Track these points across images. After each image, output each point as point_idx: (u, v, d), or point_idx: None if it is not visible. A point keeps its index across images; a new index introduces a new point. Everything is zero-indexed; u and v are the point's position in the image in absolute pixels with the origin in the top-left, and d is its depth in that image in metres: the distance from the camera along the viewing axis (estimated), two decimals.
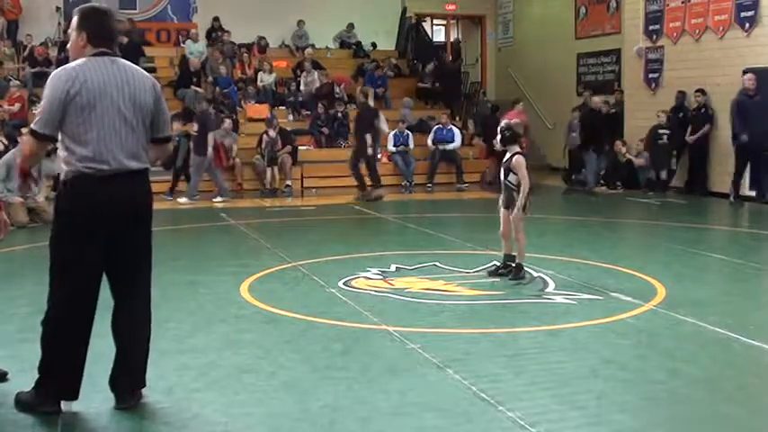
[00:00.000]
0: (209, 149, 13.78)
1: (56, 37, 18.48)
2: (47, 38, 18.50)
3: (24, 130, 10.23)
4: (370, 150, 14.18)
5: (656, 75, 15.60)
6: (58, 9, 19.12)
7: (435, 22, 23.70)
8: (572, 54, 19.06)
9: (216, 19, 19.84)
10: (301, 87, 18.28)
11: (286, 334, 5.65)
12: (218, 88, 17.22)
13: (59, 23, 18.69)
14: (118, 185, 4.00)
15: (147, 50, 18.63)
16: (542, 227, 10.33)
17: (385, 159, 16.53)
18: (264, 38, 19.66)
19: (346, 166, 14.70)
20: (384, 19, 21.45)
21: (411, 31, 21.35)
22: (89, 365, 4.14)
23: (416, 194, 15.42)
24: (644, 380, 4.67)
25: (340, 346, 5.32)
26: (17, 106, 15.41)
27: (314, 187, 14.95)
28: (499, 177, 7.58)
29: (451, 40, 23.68)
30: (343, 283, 7.15)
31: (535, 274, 7.38)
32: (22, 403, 4.15)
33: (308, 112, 17.68)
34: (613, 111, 16.35)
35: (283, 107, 17.97)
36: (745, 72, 13.26)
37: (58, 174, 4.26)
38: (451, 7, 22.30)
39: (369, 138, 14.12)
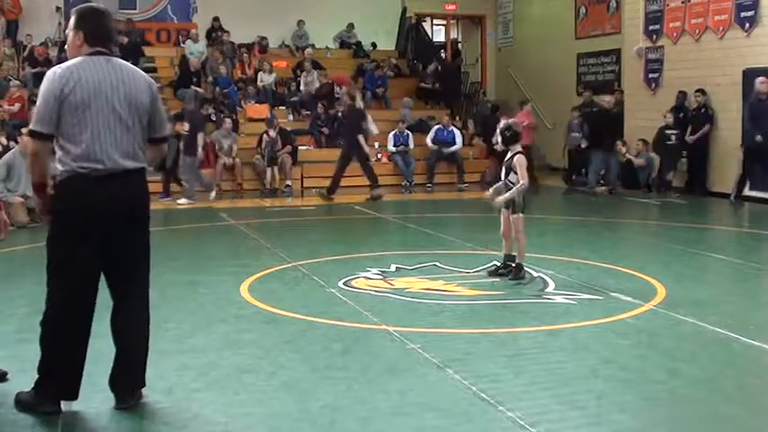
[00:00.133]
0: (199, 150, 13.73)
1: (56, 37, 18.47)
2: (47, 38, 18.49)
3: (24, 130, 10.24)
4: (366, 151, 14.18)
5: (656, 75, 15.60)
6: (58, 9, 19.11)
7: (435, 22, 23.69)
8: (572, 54, 19.05)
9: (216, 19, 19.84)
10: (301, 87, 18.28)
11: (286, 334, 5.65)
12: (218, 88, 17.22)
13: (59, 23, 18.68)
14: (113, 185, 4.00)
15: (148, 50, 18.65)
16: (542, 227, 10.34)
17: (385, 159, 16.55)
18: (266, 38, 19.66)
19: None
20: (384, 19, 21.44)
21: (411, 31, 21.34)
22: (89, 365, 4.14)
23: (416, 194, 15.42)
24: (644, 380, 4.67)
25: (340, 346, 5.32)
26: (17, 106, 15.40)
27: (314, 187, 14.94)
28: (499, 177, 7.59)
29: (452, 38, 23.70)
30: (343, 283, 7.15)
31: (535, 274, 7.38)
32: (22, 403, 4.15)
33: (308, 112, 17.68)
34: (614, 111, 16.33)
35: (283, 107, 17.97)
36: (745, 73, 13.29)
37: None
38: (451, 7, 22.29)
39: (361, 139, 14.11)
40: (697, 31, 14.55)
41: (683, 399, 4.40)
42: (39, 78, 16.17)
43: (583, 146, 16.19)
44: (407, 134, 16.52)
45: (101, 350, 4.26)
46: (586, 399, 4.32)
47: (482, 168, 16.57)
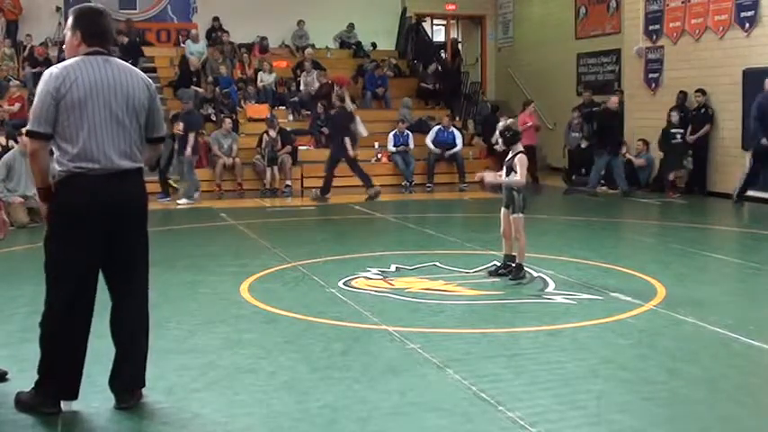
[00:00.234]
0: (188, 149, 13.71)
1: (56, 37, 18.47)
2: (47, 38, 18.50)
3: (24, 130, 10.23)
4: (351, 153, 14.15)
5: (656, 75, 15.60)
6: (58, 9, 19.12)
7: (435, 22, 23.69)
8: (572, 54, 19.06)
9: (216, 19, 19.85)
10: (301, 87, 18.28)
11: (286, 334, 5.65)
12: (218, 88, 17.22)
13: (59, 23, 18.67)
14: (110, 185, 3.99)
15: (148, 50, 18.66)
16: (542, 227, 10.34)
17: (385, 159, 16.55)
18: (266, 38, 19.66)
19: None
20: (384, 19, 21.44)
21: (411, 32, 21.34)
22: (88, 365, 4.14)
23: (416, 194, 15.42)
24: (644, 380, 4.67)
25: (340, 346, 5.32)
26: (17, 106, 15.42)
27: (314, 187, 14.93)
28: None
29: (452, 38, 23.70)
30: (343, 283, 7.15)
31: (535, 274, 7.38)
32: (22, 403, 4.15)
33: (308, 112, 17.68)
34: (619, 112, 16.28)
35: (283, 107, 17.97)
36: (745, 73, 13.30)
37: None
38: (451, 7, 22.29)
39: (347, 141, 14.09)
40: (697, 31, 14.55)
41: (683, 399, 4.40)
42: (39, 78, 16.12)
43: (583, 146, 16.16)
44: (407, 134, 16.52)
45: (100, 350, 4.26)
46: (586, 399, 4.32)
47: (482, 168, 16.54)
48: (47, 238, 4.07)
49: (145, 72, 4.36)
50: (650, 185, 15.02)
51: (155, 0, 20.49)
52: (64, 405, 4.11)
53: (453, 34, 24.12)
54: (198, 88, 17.13)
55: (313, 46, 19.94)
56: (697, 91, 14.29)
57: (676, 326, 5.80)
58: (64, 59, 4.18)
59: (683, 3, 14.87)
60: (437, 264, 8.00)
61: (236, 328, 5.81)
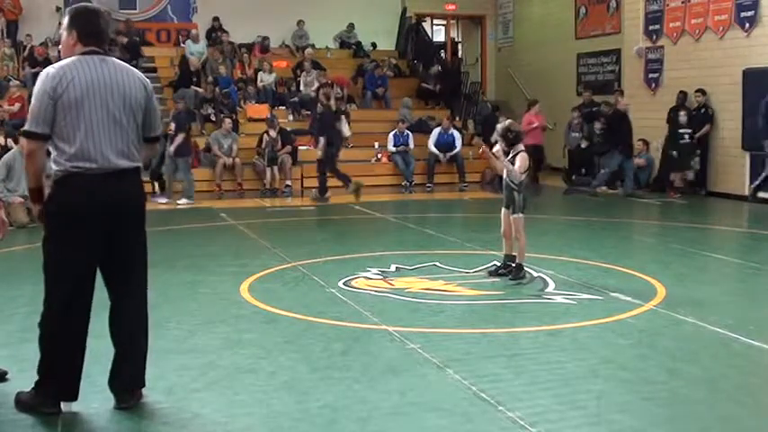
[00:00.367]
0: (171, 148, 13.69)
1: (56, 37, 18.39)
2: (47, 38, 18.48)
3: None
4: (319, 153, 14.05)
5: (656, 75, 15.60)
6: (58, 9, 19.11)
7: (435, 22, 23.69)
8: (572, 54, 19.05)
9: (216, 19, 19.84)
10: (301, 87, 18.28)
11: (286, 334, 5.65)
12: (218, 88, 17.22)
13: (59, 23, 18.63)
14: (107, 184, 3.99)
15: (148, 50, 18.66)
16: (542, 227, 10.34)
17: (385, 159, 16.55)
18: (267, 38, 19.66)
19: (346, 167, 14.67)
20: (384, 19, 21.43)
21: (411, 32, 21.33)
22: (88, 365, 4.14)
23: (416, 194, 15.42)
24: (644, 380, 4.67)
25: (340, 346, 5.32)
26: (17, 106, 15.42)
27: (314, 187, 14.92)
28: (500, 177, 7.59)
29: (452, 37, 23.69)
30: (343, 283, 7.15)
31: (535, 274, 7.38)
32: (22, 403, 4.16)
33: (308, 112, 17.66)
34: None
35: (283, 107, 17.96)
36: (745, 73, 13.29)
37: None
38: (451, 7, 22.29)
39: (322, 140, 13.98)
40: (697, 31, 14.55)
41: (683, 399, 4.40)
42: None
43: (583, 146, 16.14)
44: (407, 134, 16.51)
45: (100, 350, 4.26)
46: (586, 399, 4.32)
47: (482, 168, 16.56)
48: (45, 238, 4.07)
49: (145, 72, 4.37)
50: (650, 185, 15.02)
51: (155, 0, 20.49)
52: (64, 405, 4.11)
53: (453, 34, 24.12)
54: (198, 88, 17.12)
55: (313, 46, 19.92)
56: (697, 91, 14.29)
57: (676, 326, 5.80)
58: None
59: (683, 3, 14.88)
60: (437, 264, 8.00)
61: (236, 328, 5.81)
